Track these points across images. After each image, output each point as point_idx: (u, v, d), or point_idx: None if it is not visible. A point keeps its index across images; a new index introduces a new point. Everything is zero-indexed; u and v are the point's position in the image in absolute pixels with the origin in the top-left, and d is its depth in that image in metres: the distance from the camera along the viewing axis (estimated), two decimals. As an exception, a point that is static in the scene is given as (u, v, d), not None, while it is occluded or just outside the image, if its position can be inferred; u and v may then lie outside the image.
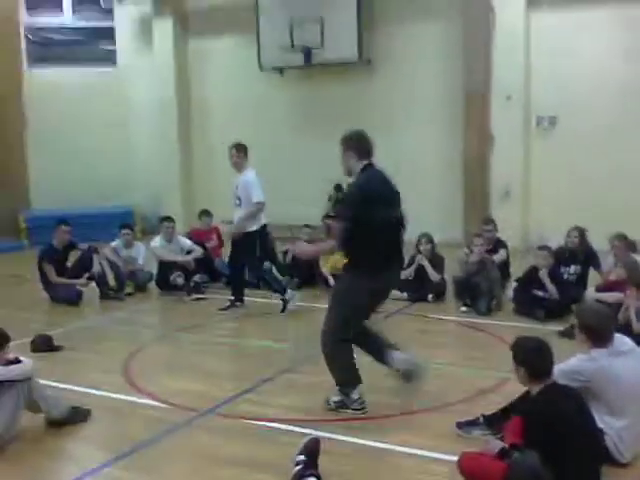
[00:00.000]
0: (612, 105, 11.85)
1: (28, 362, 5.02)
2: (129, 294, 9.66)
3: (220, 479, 4.35)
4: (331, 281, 9.57)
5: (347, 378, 5.32)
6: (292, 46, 13.72)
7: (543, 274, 7.94)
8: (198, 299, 9.28)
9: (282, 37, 13.77)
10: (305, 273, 9.80)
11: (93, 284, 9.62)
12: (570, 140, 12.24)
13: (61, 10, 16.40)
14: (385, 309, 8.58)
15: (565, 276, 8.34)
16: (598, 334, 4.38)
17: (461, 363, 6.60)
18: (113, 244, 10.08)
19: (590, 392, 4.23)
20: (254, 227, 8.24)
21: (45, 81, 15.90)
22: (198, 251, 9.89)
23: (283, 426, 5.08)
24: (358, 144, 5.28)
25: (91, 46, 16.65)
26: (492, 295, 8.32)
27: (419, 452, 4.60)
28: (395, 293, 8.95)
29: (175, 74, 15.88)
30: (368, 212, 4.99)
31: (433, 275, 8.93)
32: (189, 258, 9.81)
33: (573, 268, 8.44)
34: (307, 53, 13.73)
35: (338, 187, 13.84)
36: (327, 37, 13.47)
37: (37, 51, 16.34)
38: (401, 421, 5.15)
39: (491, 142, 12.64)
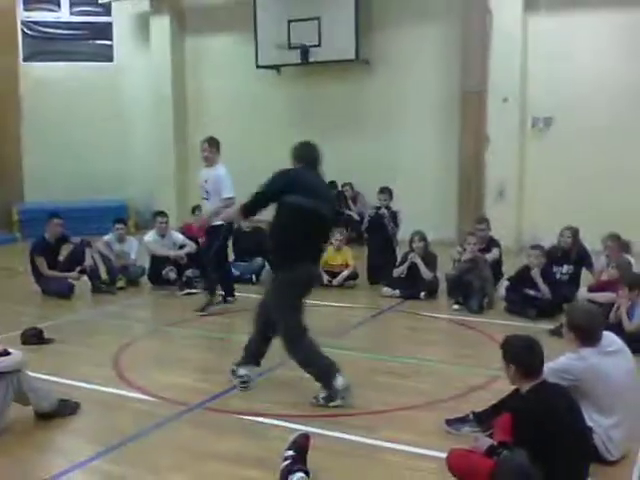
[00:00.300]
0: (607, 107, 11.88)
1: (17, 354, 5.00)
2: (121, 288, 9.64)
3: (208, 473, 4.33)
4: (324, 277, 9.60)
5: (323, 372, 5.38)
6: (289, 44, 13.70)
7: (535, 273, 7.95)
8: (190, 294, 9.27)
9: (280, 35, 13.75)
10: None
11: (85, 278, 9.60)
12: (565, 141, 12.27)
13: (58, 5, 16.37)
14: (377, 306, 8.64)
15: (557, 276, 8.36)
16: (587, 333, 4.37)
17: (452, 360, 6.60)
18: (106, 238, 10.06)
19: (579, 390, 4.22)
20: (219, 221, 7.92)
21: (41, 76, 15.88)
22: (191, 246, 9.86)
23: (272, 421, 5.08)
24: (300, 153, 5.58)
25: (88, 42, 16.61)
26: (484, 293, 8.33)
27: (408, 448, 4.60)
28: (387, 290, 9.03)
29: (172, 71, 15.84)
30: (288, 194, 5.25)
31: (425, 273, 8.93)
32: (181, 253, 9.80)
33: (566, 268, 8.46)
34: (304, 52, 13.70)
35: (332, 184, 13.85)
36: (325, 36, 13.44)
37: (34, 46, 16.28)
38: (390, 418, 5.15)
39: (486, 143, 12.65)
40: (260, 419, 5.13)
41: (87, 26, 16.56)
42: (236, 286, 8.93)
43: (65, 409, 5.19)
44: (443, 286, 8.92)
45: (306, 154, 5.58)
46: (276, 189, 5.36)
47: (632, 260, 7.86)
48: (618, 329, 5.88)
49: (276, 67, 14.60)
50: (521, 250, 10.69)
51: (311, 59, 13.76)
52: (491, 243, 9.12)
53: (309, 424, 4.87)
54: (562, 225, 8.72)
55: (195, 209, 10.82)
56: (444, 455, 4.09)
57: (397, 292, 8.97)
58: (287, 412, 5.23)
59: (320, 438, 4.61)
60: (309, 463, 4.15)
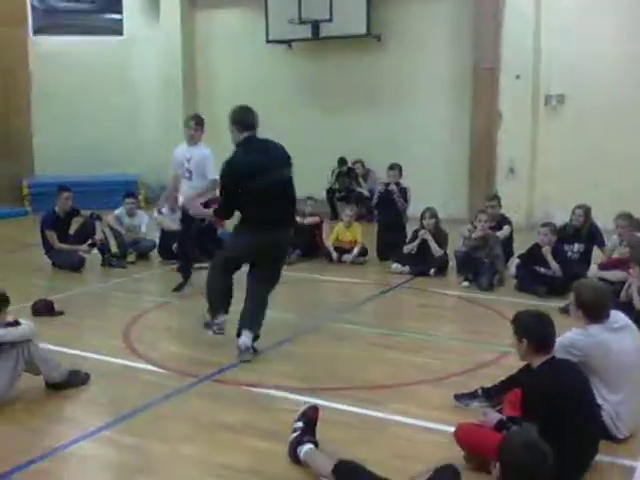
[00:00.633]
0: (621, 85, 11.74)
1: (28, 324, 5.02)
2: (131, 262, 9.65)
3: (218, 444, 4.35)
4: (334, 254, 9.61)
5: (215, 304, 5.96)
6: (300, 19, 13.59)
7: (546, 251, 7.89)
8: (200, 268, 9.26)
9: (290, 10, 13.64)
10: (307, 245, 9.82)
11: (95, 251, 9.63)
12: (578, 119, 12.16)
13: (68, -22, 16.28)
14: (386, 282, 8.64)
15: (569, 254, 8.30)
16: (595, 310, 4.35)
17: (461, 337, 6.60)
18: (116, 212, 10.09)
19: (587, 367, 4.20)
20: (201, 200, 7.64)
21: (51, 50, 15.78)
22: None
23: (282, 393, 5.10)
24: (239, 117, 5.83)
25: (98, 15, 16.50)
26: (495, 271, 8.30)
27: (416, 422, 4.61)
28: (397, 267, 9.02)
29: (182, 45, 15.77)
30: (237, 183, 5.60)
31: (436, 250, 8.90)
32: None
33: (577, 246, 8.41)
34: (315, 27, 13.61)
35: (342, 160, 13.83)
36: (336, 11, 13.32)
37: (43, 19, 16.17)
38: (400, 392, 5.15)
39: (499, 119, 12.56)
40: (269, 391, 5.15)
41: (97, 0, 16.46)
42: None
43: (75, 379, 5.21)
44: (453, 263, 8.89)
45: (248, 120, 5.84)
46: (229, 185, 5.75)
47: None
48: (629, 308, 5.86)
49: (287, 42, 14.50)
50: (532, 228, 10.63)
51: (322, 34, 13.66)
52: (502, 220, 9.08)
53: (318, 397, 4.88)
54: (575, 202, 8.67)
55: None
56: (452, 429, 4.10)
57: (407, 269, 8.95)
58: (296, 385, 5.24)
59: (328, 411, 4.62)
60: (318, 435, 4.16)
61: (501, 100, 12.58)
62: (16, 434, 4.52)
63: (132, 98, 16.17)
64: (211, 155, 7.94)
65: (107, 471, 4.18)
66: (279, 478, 3.95)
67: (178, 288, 8.14)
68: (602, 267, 7.69)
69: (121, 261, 9.61)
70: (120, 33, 16.43)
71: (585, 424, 3.82)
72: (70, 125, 15.64)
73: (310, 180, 13.15)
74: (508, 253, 8.83)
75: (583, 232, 8.43)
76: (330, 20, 13.38)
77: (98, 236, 9.60)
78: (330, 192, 13.74)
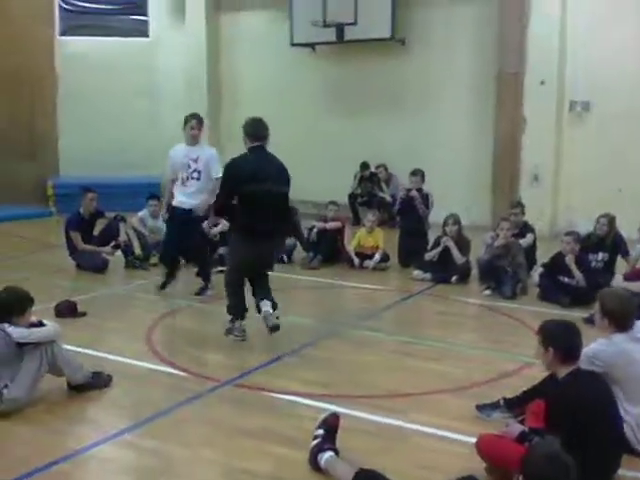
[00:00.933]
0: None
1: (53, 325, 5.06)
2: (154, 265, 9.68)
3: (238, 449, 4.36)
4: (355, 260, 9.60)
5: (235, 310, 6.34)
6: (325, 22, 13.59)
7: (570, 260, 7.82)
8: (222, 271, 9.27)
9: (315, 13, 13.62)
10: (329, 250, 9.81)
11: (119, 252, 9.69)
12: (603, 126, 12.03)
13: (95, -20, 16.41)
14: (407, 289, 8.61)
15: (592, 263, 8.22)
16: (620, 319, 4.31)
17: (482, 346, 6.55)
18: (140, 214, 10.14)
19: (609, 378, 4.16)
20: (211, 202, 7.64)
21: (76, 51, 15.91)
22: (224, 224, 9.85)
23: (303, 400, 5.09)
24: (251, 130, 6.17)
25: (124, 17, 16.63)
26: (517, 279, 8.24)
27: (437, 432, 4.58)
28: (418, 273, 8.98)
29: (206, 48, 15.84)
30: (236, 186, 5.97)
31: (458, 257, 8.85)
32: (215, 231, 9.80)
33: (601, 255, 8.33)
34: (340, 30, 13.61)
35: (365, 165, 13.80)
36: (360, 14, 13.29)
37: (70, 20, 16.33)
38: (420, 401, 5.13)
39: (523, 125, 12.48)
40: (290, 397, 5.14)
41: (123, 1, 16.57)
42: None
43: (98, 381, 5.24)
44: (475, 271, 8.84)
45: (258, 132, 6.17)
46: (227, 188, 6.10)
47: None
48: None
49: (311, 45, 14.51)
50: (556, 236, 10.54)
51: (346, 37, 13.66)
52: (525, 228, 9.01)
53: (338, 404, 4.86)
54: (599, 211, 8.58)
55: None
56: (474, 440, 4.07)
57: (428, 275, 8.91)
58: (317, 392, 5.24)
59: (349, 418, 4.61)
60: (338, 443, 4.15)
61: (525, 106, 12.50)
62: (38, 435, 4.55)
63: (156, 100, 16.26)
64: (217, 154, 8.02)
65: (127, 474, 4.19)
66: (299, 485, 3.95)
67: (200, 292, 8.17)
68: (627, 277, 7.61)
69: (144, 263, 9.66)
70: (146, 35, 16.55)
71: (609, 437, 3.79)
72: (95, 127, 15.75)
73: (332, 184, 13.23)
74: (531, 261, 8.76)
75: (607, 241, 8.35)
76: (354, 23, 13.37)
77: (122, 238, 9.67)
78: (352, 197, 13.71)
